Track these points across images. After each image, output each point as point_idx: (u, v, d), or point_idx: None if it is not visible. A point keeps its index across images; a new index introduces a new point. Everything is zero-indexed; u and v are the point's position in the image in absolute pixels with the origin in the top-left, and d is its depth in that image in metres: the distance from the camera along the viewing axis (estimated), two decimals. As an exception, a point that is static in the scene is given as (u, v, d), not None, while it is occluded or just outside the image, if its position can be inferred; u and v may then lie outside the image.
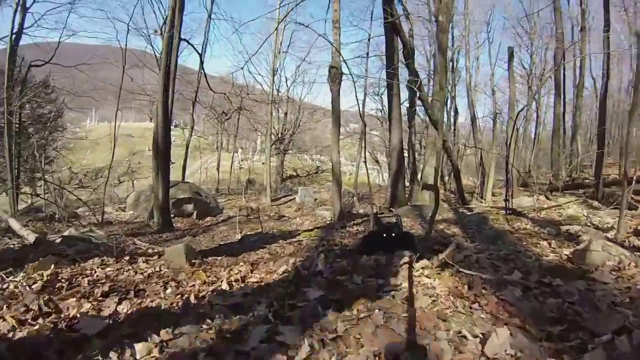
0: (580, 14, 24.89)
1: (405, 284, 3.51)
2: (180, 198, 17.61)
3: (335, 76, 12.55)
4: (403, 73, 19.30)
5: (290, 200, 25.72)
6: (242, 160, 38.69)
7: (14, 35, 20.13)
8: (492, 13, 53.34)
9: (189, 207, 17.81)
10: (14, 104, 19.06)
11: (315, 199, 24.49)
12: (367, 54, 30.08)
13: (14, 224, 8.70)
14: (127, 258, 5.41)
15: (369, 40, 29.06)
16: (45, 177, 22.70)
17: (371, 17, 26.37)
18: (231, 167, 36.45)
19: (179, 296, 3.65)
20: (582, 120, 28.13)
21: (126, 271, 4.69)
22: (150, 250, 7.37)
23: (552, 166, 24.03)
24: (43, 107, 26.85)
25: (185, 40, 16.62)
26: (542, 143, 32.03)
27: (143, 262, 5.21)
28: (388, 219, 6.47)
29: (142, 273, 4.60)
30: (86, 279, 4.13)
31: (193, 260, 5.27)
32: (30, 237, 7.16)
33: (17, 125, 21.39)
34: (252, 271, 4.72)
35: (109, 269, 4.74)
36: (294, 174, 42.08)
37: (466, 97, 31.12)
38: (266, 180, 26.05)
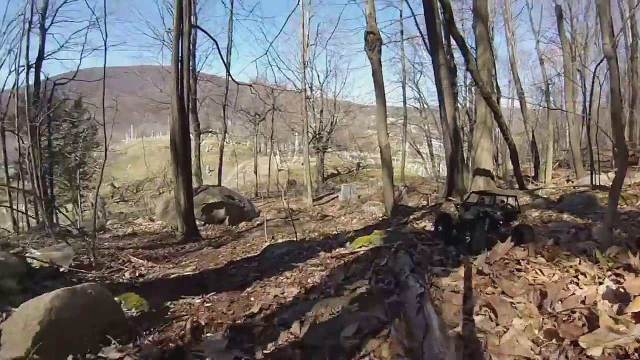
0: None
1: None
2: (210, 203, 15.49)
3: (372, 43, 10.53)
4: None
5: (333, 198, 24.00)
6: (280, 162, 36.57)
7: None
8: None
9: (221, 212, 15.60)
10: (37, 121, 17.71)
11: (359, 196, 22.66)
12: (402, 27, 27.83)
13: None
14: None
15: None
16: (81, 192, 21.88)
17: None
18: (269, 169, 34.66)
19: None
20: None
21: None
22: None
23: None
24: (77, 126, 26.00)
25: (197, 26, 14.70)
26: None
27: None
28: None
29: None
30: None
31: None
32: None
33: (46, 143, 20.54)
34: None
35: None
36: (335, 172, 39.76)
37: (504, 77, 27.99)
38: (306, 180, 24.16)
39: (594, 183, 9.61)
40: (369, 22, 10.55)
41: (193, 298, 4.39)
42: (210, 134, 32.83)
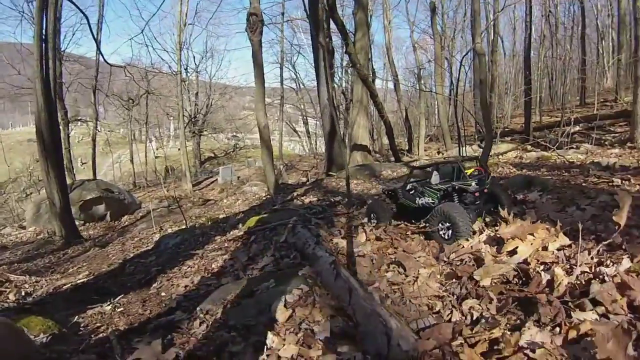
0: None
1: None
2: (88, 199, 14.19)
3: (254, 24, 10.44)
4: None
5: (213, 182, 23.60)
6: (157, 149, 34.67)
7: None
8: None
9: (100, 208, 14.46)
10: None
11: (239, 177, 22.77)
12: (283, 9, 28.18)
13: None
14: None
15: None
16: None
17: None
18: (145, 157, 32.77)
19: None
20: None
21: None
22: None
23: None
24: None
25: None
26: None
27: None
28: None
29: None
30: None
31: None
32: None
33: None
34: None
35: None
36: (212, 155, 38.83)
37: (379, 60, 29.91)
38: (184, 165, 23.04)
39: (461, 154, 10.77)
40: (252, 3, 10.42)
41: (101, 306, 4.09)
42: (80, 123, 29.79)
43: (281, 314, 2.64)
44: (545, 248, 2.94)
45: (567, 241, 2.97)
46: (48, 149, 10.61)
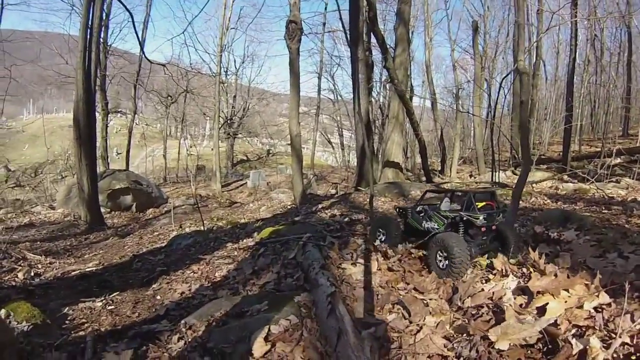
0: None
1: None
2: (116, 189, 14.31)
3: (293, 32, 10.19)
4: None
5: (242, 185, 23.56)
6: (190, 147, 35.14)
7: None
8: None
9: (128, 198, 14.55)
10: None
11: (268, 183, 22.62)
12: (325, 20, 27.97)
13: None
14: None
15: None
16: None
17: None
18: (178, 154, 33.21)
19: None
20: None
21: None
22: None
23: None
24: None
25: None
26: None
27: None
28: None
29: None
30: None
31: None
32: None
33: None
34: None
35: None
36: (245, 158, 38.97)
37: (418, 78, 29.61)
38: (215, 165, 23.11)
39: (493, 180, 10.29)
40: (292, 11, 10.22)
41: (94, 301, 3.93)
42: (119, 114, 30.58)
43: (259, 348, 2.29)
44: (580, 306, 2.43)
45: (606, 299, 2.45)
46: (83, 138, 10.86)
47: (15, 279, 5.17)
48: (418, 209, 4.42)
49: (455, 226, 3.94)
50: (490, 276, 3.23)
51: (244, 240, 5.87)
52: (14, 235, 10.20)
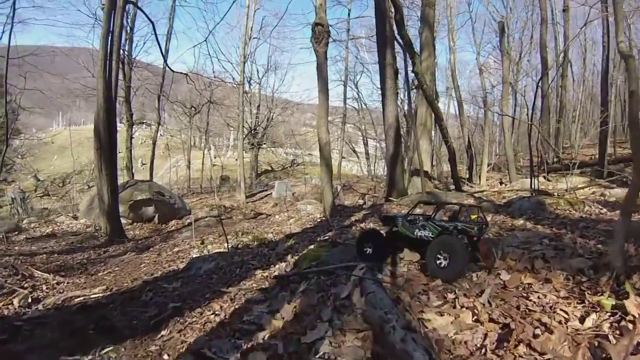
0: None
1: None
2: (138, 200, 13.77)
3: (320, 35, 9.54)
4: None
5: (267, 195, 23.08)
6: (214, 158, 34.73)
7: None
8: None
9: (150, 209, 13.95)
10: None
11: (294, 193, 21.99)
12: (349, 26, 27.42)
13: None
14: None
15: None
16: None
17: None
18: (202, 164, 32.80)
19: None
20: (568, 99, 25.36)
21: None
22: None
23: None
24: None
25: (132, 3, 13.02)
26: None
27: None
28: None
29: None
30: None
31: None
32: None
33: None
34: None
35: None
36: (269, 168, 38.32)
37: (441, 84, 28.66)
38: (240, 176, 22.55)
39: (533, 187, 9.29)
40: (318, 13, 9.58)
41: None
42: (144, 125, 30.43)
43: None
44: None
45: None
46: (104, 147, 10.45)
47: (9, 306, 4.50)
48: (409, 217, 4.58)
49: (448, 234, 4.08)
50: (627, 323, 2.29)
51: (277, 266, 5.02)
52: (33, 247, 9.95)
